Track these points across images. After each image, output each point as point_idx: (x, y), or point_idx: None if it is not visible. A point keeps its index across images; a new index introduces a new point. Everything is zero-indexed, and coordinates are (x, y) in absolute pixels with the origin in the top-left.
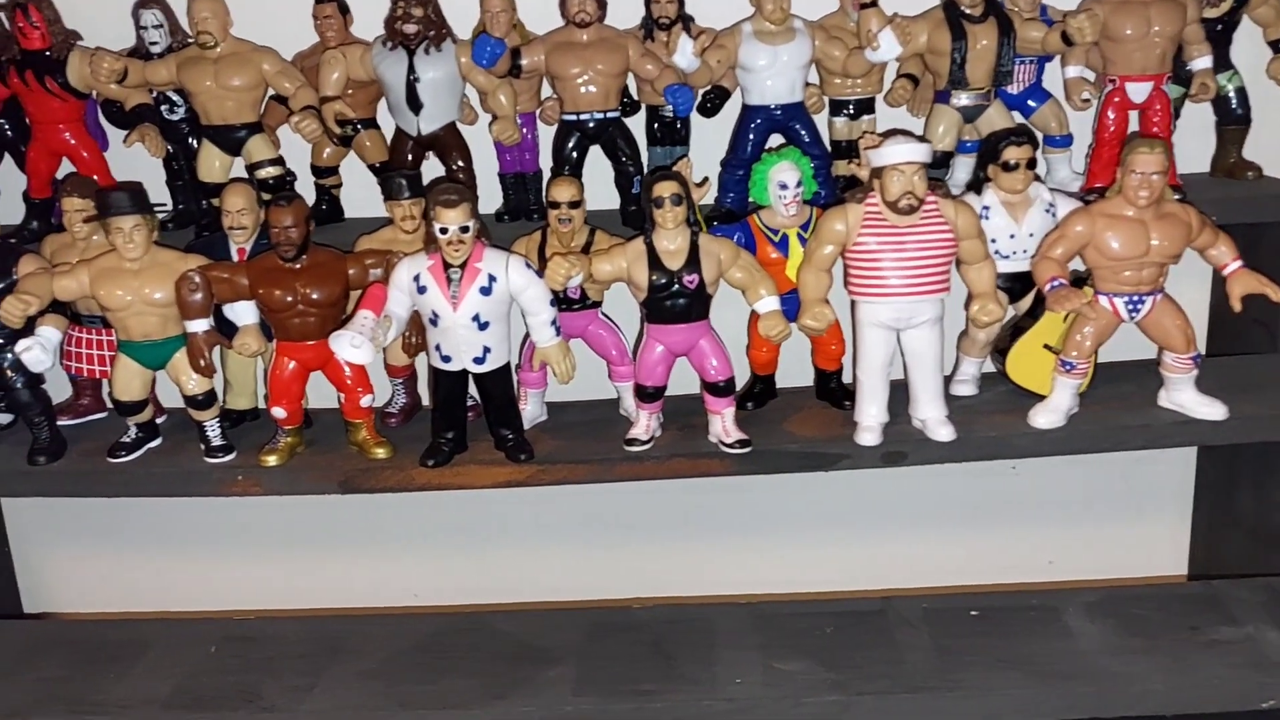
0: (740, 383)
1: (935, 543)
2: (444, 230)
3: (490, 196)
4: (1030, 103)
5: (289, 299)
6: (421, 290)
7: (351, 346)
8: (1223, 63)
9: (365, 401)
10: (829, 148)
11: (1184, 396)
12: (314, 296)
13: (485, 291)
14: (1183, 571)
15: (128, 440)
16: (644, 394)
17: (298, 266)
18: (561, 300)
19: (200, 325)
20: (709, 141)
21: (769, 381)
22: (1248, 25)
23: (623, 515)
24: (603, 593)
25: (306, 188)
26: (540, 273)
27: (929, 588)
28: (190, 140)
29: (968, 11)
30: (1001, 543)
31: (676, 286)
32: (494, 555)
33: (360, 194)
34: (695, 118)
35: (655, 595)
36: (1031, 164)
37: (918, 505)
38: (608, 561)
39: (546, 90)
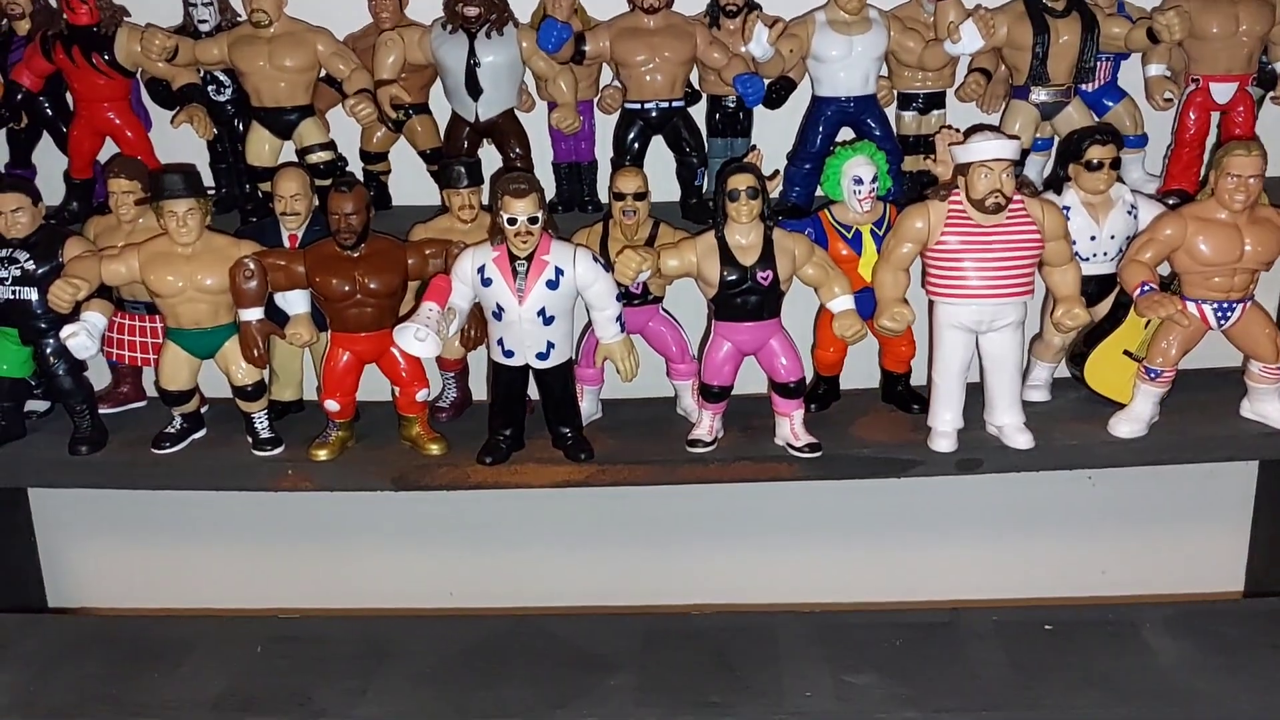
0: None
1: (995, 551)
2: (512, 221)
3: (543, 186)
4: (1106, 101)
5: (347, 288)
6: (486, 283)
7: (416, 339)
8: None
9: (421, 396)
10: (897, 142)
11: (1269, 407)
12: (372, 286)
13: (552, 285)
14: (1239, 586)
15: (173, 431)
16: (709, 393)
17: (356, 255)
18: (622, 295)
19: (254, 314)
20: (769, 133)
21: (833, 383)
22: None
23: (676, 518)
24: (656, 598)
25: (355, 174)
26: (608, 266)
27: (993, 600)
28: (236, 122)
29: (1050, 5)
30: (1059, 553)
31: (749, 283)
32: (543, 556)
33: (408, 181)
34: (757, 109)
35: (712, 602)
36: (1115, 164)
37: (978, 513)
38: (661, 565)
39: (604, 78)
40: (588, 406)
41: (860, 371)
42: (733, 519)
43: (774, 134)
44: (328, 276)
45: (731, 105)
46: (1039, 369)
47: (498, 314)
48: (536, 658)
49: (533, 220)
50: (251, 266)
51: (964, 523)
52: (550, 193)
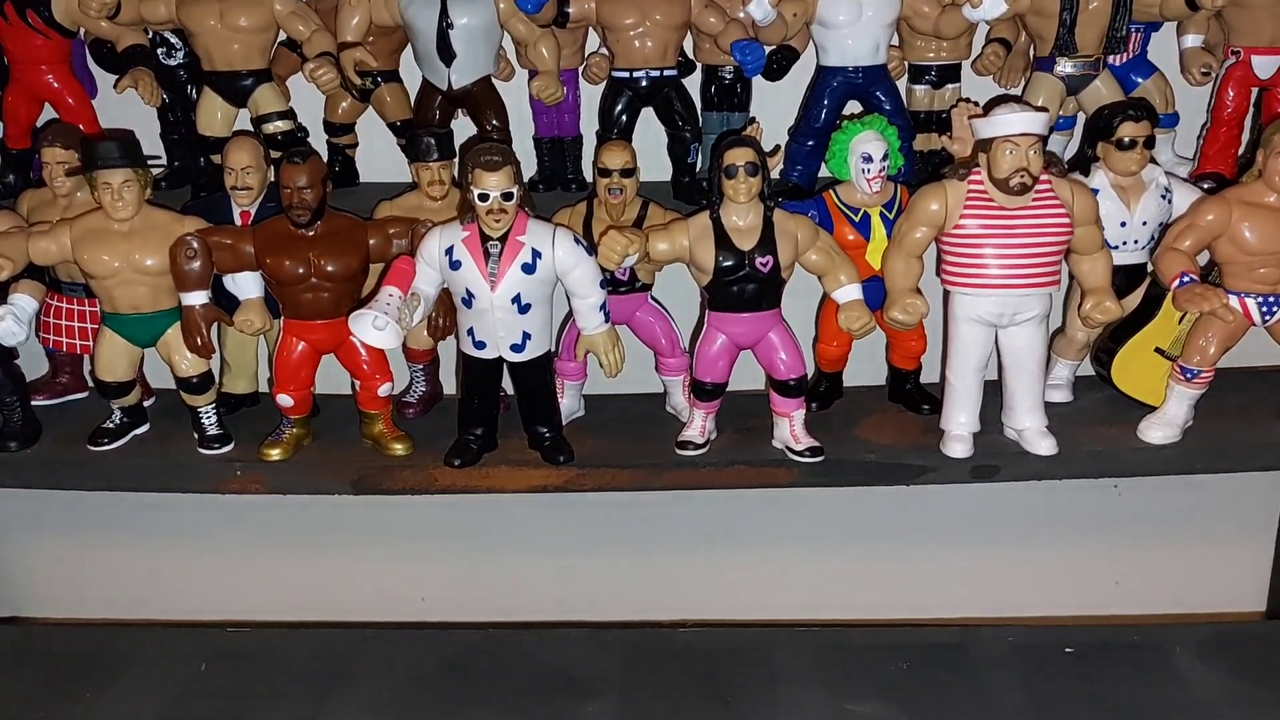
0: None
1: (1011, 565)
2: (484, 197)
3: (523, 162)
4: (1134, 76)
5: (300, 270)
6: (455, 266)
7: (374, 328)
8: None
9: (384, 390)
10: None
11: None
12: (329, 269)
13: (528, 269)
14: (1260, 605)
15: (111, 426)
16: (701, 391)
17: (311, 234)
18: (608, 281)
19: (197, 298)
20: (769, 107)
21: (836, 379)
22: None
23: (665, 525)
24: (642, 612)
25: (318, 146)
26: (591, 249)
27: (1008, 618)
28: (190, 89)
29: None
30: (1081, 568)
31: (747, 269)
32: (518, 565)
33: (377, 155)
34: (755, 81)
35: (702, 617)
36: (1150, 142)
37: (993, 524)
38: (648, 577)
39: (590, 46)
40: (569, 403)
41: (864, 367)
42: (727, 527)
43: (774, 108)
44: (279, 257)
45: (729, 76)
46: (1061, 367)
47: (467, 300)
48: (507, 679)
49: (507, 196)
50: (194, 245)
51: (977, 534)
52: (531, 169)
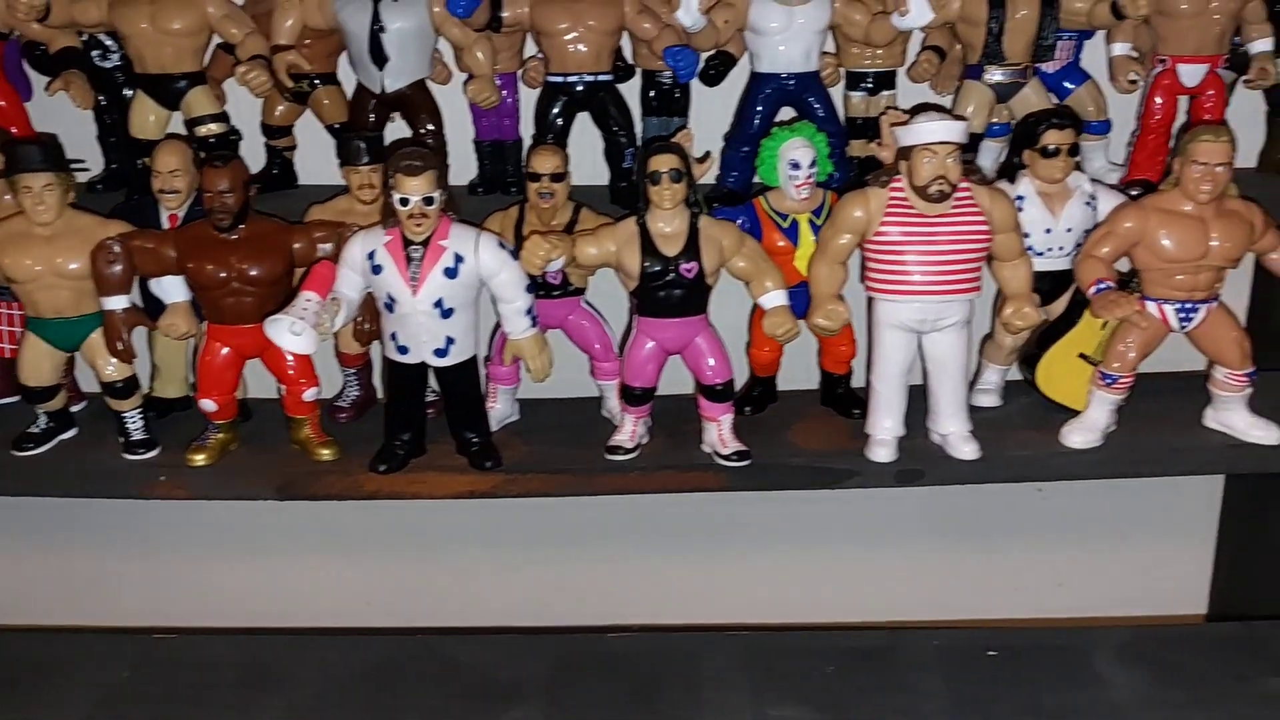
0: (738, 384)
1: (938, 569)
2: (405, 202)
3: (465, 166)
4: (1067, 84)
5: (222, 275)
6: (376, 270)
7: (291, 333)
8: None
9: (309, 395)
10: (844, 124)
11: (1234, 417)
12: (251, 273)
13: (450, 274)
14: (1202, 607)
15: (36, 431)
16: (630, 396)
17: (234, 237)
18: (540, 286)
19: (119, 302)
20: (709, 113)
21: (769, 384)
22: None
23: (595, 530)
24: (575, 618)
25: (256, 149)
26: (516, 254)
27: (937, 621)
28: (125, 91)
29: None
30: (1007, 571)
31: (672, 275)
32: (450, 570)
33: (317, 158)
34: (696, 86)
35: (634, 621)
36: (1074, 150)
37: (923, 527)
38: (578, 581)
39: (530, 49)
40: (502, 408)
41: (801, 371)
42: (657, 531)
43: (715, 113)
44: (201, 261)
45: (667, 81)
46: (990, 372)
47: (390, 305)
48: (433, 685)
49: (428, 201)
50: (115, 249)
51: (905, 537)
52: (472, 173)
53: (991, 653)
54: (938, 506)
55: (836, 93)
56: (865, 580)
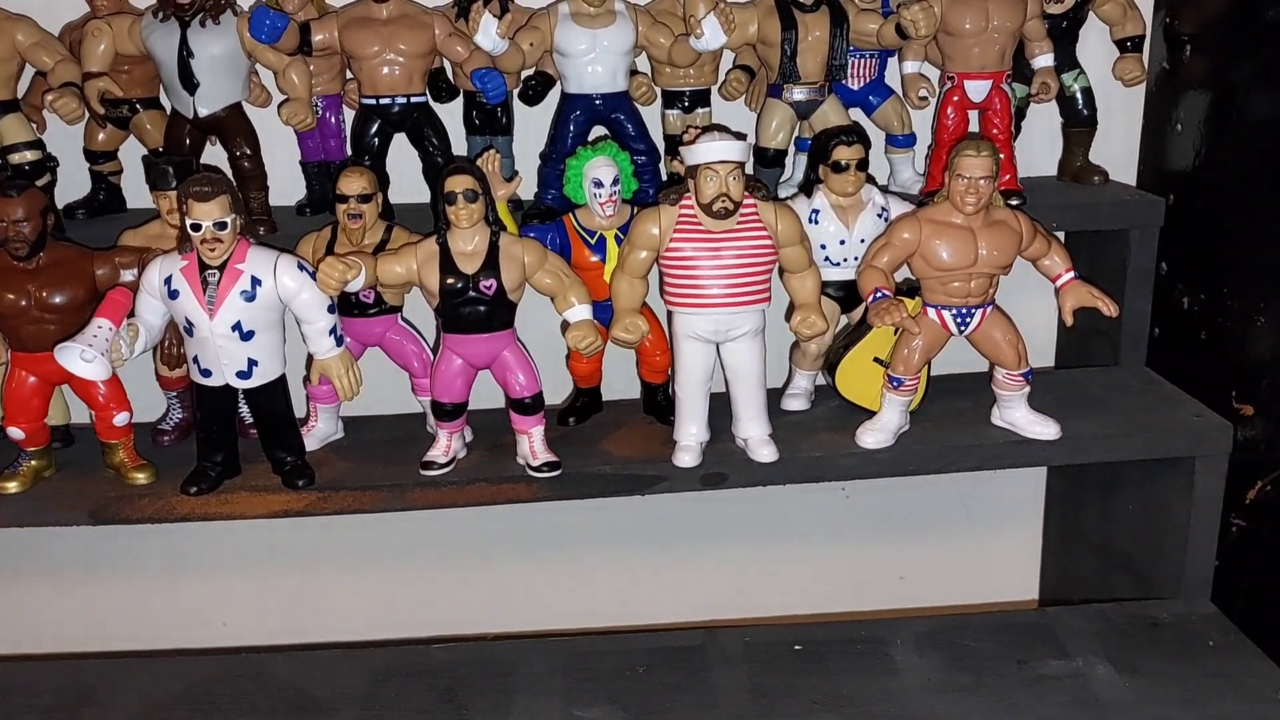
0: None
1: (767, 569)
2: (196, 227)
3: (293, 186)
4: (871, 99)
5: (23, 303)
6: (173, 295)
7: (81, 360)
8: (1069, 62)
9: (120, 420)
10: (663, 142)
11: (1016, 415)
12: (53, 300)
13: (248, 296)
14: (1034, 594)
15: None
16: (441, 411)
17: (32, 266)
18: (354, 305)
19: None
20: (533, 131)
21: (593, 395)
22: (1095, 23)
23: (419, 543)
24: (396, 631)
25: (82, 175)
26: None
27: (760, 618)
28: None
29: (799, 0)
30: (841, 567)
31: (473, 292)
32: (270, 590)
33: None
34: (520, 106)
35: (461, 633)
36: (863, 165)
37: (748, 529)
38: (402, 595)
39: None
40: (324, 427)
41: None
42: (477, 542)
43: (538, 131)
44: (0, 291)
45: (486, 101)
46: (799, 377)
47: (189, 329)
48: (251, 702)
49: (220, 225)
50: None
51: (728, 537)
52: (300, 193)
53: (797, 647)
54: (762, 512)
55: (654, 111)
56: (683, 587)
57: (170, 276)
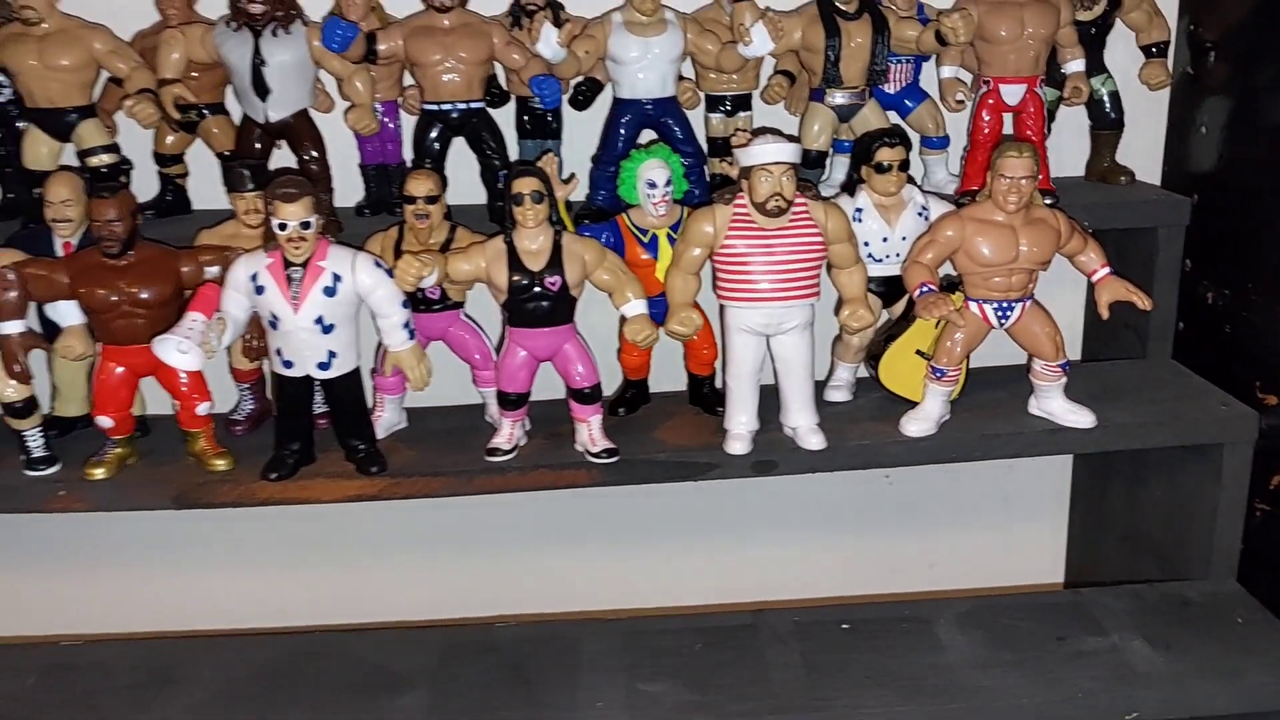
0: (613, 388)
1: (810, 553)
2: (283, 226)
3: (351, 188)
4: (907, 102)
5: (113, 299)
6: (259, 291)
7: (178, 352)
8: (1097, 66)
9: (202, 409)
10: (705, 145)
11: (1053, 404)
12: (141, 296)
13: (329, 292)
14: (1059, 578)
15: None
16: (506, 401)
17: (123, 263)
18: (420, 300)
19: (14, 327)
20: (582, 135)
21: (642, 386)
22: (1122, 30)
23: (485, 528)
24: (463, 611)
25: (149, 177)
26: (392, 272)
27: (804, 600)
28: (19, 124)
29: (842, 8)
30: (878, 552)
31: (538, 288)
32: (345, 573)
33: (211, 184)
34: (568, 110)
35: (520, 613)
36: (904, 166)
37: (794, 514)
38: (469, 578)
39: (410, 77)
40: (389, 416)
41: (680, 373)
42: (538, 526)
43: (585, 136)
44: (92, 287)
45: (539, 107)
46: (841, 369)
47: (274, 323)
48: (327, 678)
49: (305, 225)
50: (9, 277)
51: (773, 523)
52: (359, 195)
53: (845, 625)
54: (806, 498)
55: (698, 114)
56: (734, 570)
57: (256, 274)
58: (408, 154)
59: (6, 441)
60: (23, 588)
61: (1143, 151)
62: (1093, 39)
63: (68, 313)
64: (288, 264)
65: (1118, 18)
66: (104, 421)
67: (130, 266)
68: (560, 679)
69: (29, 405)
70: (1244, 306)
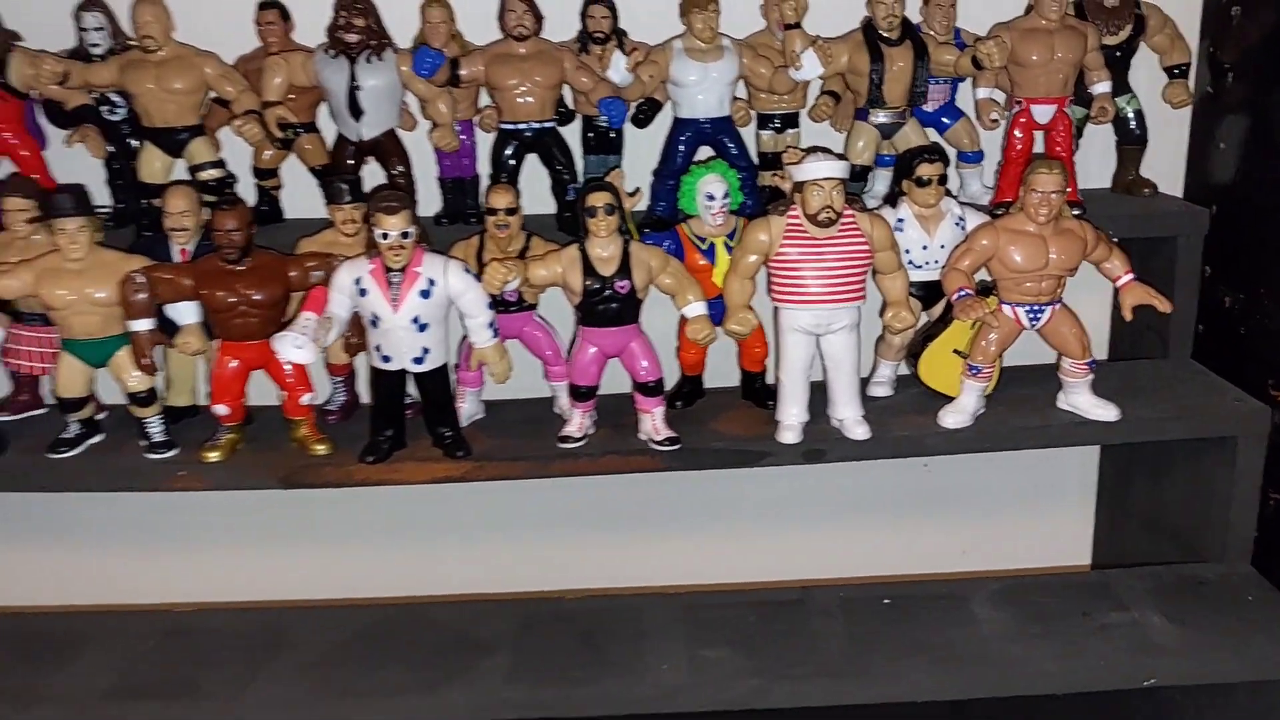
0: (670, 383)
1: (854, 536)
2: (385, 236)
3: (429, 200)
4: (944, 120)
5: (231, 300)
6: (363, 293)
7: (294, 347)
8: (1122, 86)
9: (306, 400)
10: (756, 159)
11: (1080, 399)
12: (256, 298)
13: (425, 295)
14: (1087, 561)
15: (69, 436)
16: (578, 393)
17: (240, 268)
18: (498, 303)
19: (143, 324)
20: (641, 150)
21: (697, 382)
22: (1145, 52)
23: (553, 509)
24: (538, 585)
25: (247, 189)
26: (478, 277)
27: (848, 578)
28: (130, 141)
29: (885, 35)
30: (917, 535)
31: (609, 292)
32: (429, 548)
33: (299, 196)
34: (628, 127)
35: (587, 587)
36: (943, 180)
37: (839, 500)
38: (542, 555)
39: (483, 98)
40: (469, 407)
41: (728, 370)
42: (606, 510)
43: (644, 151)
44: (213, 289)
45: (603, 125)
46: (883, 367)
47: (375, 322)
48: (418, 643)
49: (404, 235)
50: (140, 280)
51: (820, 508)
52: (437, 206)
53: (886, 601)
54: (850, 485)
55: (749, 131)
56: (783, 551)
57: (360, 278)
58: (481, 168)
59: (124, 428)
60: (143, 561)
61: (1165, 166)
62: (1118, 61)
63: (185, 312)
64: (388, 269)
65: (1142, 41)
66: (220, 409)
67: (247, 271)
68: (626, 645)
69: (151, 395)
70: (1259, 310)
